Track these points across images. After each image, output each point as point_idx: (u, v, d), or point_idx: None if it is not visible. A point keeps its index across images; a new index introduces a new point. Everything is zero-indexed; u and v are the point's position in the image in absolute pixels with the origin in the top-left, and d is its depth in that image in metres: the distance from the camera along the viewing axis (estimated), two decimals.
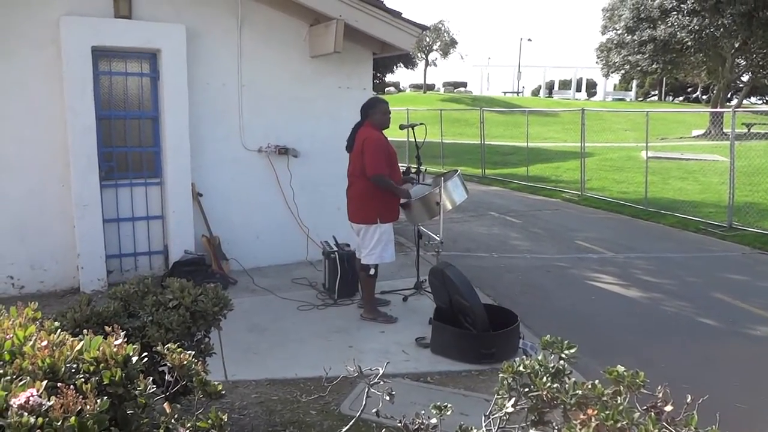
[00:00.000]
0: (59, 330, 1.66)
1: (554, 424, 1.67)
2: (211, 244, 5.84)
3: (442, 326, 4.21)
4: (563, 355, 1.80)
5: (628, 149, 18.36)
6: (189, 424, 1.52)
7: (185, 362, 1.71)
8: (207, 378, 1.74)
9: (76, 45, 4.90)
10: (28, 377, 1.41)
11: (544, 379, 1.68)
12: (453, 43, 47.12)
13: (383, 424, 2.18)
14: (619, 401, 1.59)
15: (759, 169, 12.14)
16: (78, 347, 1.53)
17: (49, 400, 1.32)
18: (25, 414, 1.25)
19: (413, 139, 5.25)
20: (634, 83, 51.56)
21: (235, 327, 4.38)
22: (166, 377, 1.77)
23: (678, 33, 21.13)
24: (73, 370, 1.47)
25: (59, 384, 1.38)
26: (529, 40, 78.74)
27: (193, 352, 1.80)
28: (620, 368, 1.70)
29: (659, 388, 1.64)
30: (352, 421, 2.24)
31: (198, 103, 5.84)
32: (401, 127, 8.27)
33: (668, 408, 1.54)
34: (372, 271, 4.70)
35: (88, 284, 5.23)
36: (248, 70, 5.90)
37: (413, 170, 5.25)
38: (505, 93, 54.97)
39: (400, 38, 5.89)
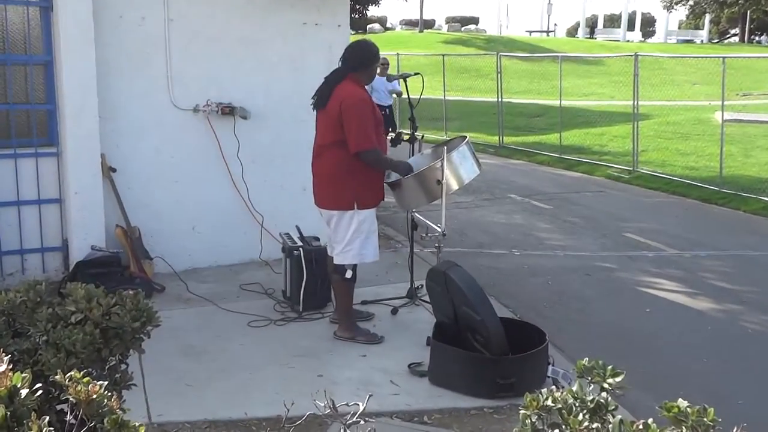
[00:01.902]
0: None
1: None
2: (128, 238, 5.84)
3: (445, 348, 4.24)
4: (606, 385, 1.79)
5: (698, 109, 18.50)
6: None
7: (94, 397, 1.70)
8: (124, 418, 1.74)
9: None
10: None
11: (581, 416, 1.68)
12: None
13: None
14: None
15: None
16: None
17: None
18: None
19: (406, 96, 5.24)
20: (707, 19, 51.64)
21: (162, 349, 4.44)
22: (68, 417, 1.77)
23: None
24: None
25: None
26: None
27: (105, 383, 1.79)
28: (682, 403, 1.68)
29: (735, 430, 1.67)
30: None
31: (108, 44, 5.78)
32: (389, 79, 8.17)
33: None
34: (349, 274, 4.77)
35: None
36: None
37: (405, 137, 5.30)
38: (530, 33, 54.87)
39: None
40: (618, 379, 1.81)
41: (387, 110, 11.57)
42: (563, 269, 6.97)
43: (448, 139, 5.65)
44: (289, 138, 6.45)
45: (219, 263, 6.38)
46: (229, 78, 6.25)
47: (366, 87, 4.77)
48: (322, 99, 4.69)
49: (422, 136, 5.32)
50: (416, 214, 5.37)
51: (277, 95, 6.42)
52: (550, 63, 21.99)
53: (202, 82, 6.14)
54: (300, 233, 5.58)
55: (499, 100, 16.51)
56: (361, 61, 4.65)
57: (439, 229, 4.81)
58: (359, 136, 4.48)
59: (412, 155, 5.33)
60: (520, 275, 6.79)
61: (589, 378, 1.81)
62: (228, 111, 6.16)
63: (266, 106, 6.38)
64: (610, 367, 1.84)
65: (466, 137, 4.95)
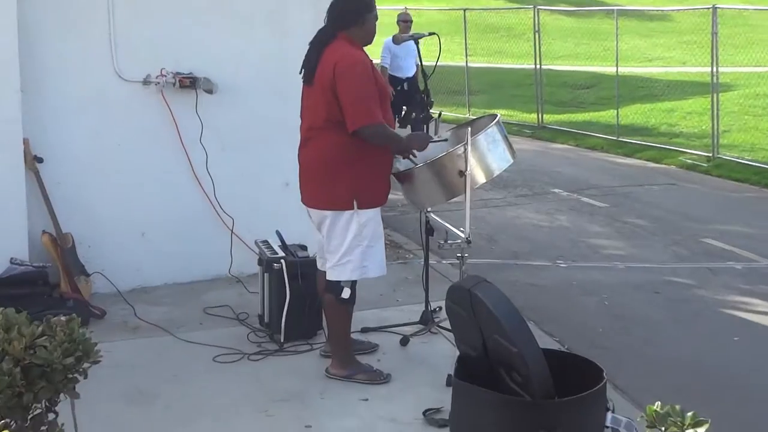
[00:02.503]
0: None
1: None
2: (58, 248, 5.83)
3: (471, 388, 4.22)
4: None
5: None
6: None
7: None
8: None
9: None
10: None
11: None
12: None
13: None
14: None
15: None
16: None
17: None
18: None
19: (417, 62, 5.23)
20: None
21: (102, 393, 4.38)
22: None
23: None
24: None
25: None
26: None
27: None
28: None
29: None
30: None
31: (33, 1, 5.80)
32: (397, 41, 8.18)
33: None
34: (346, 293, 4.78)
35: None
36: None
37: (414, 116, 5.27)
38: None
39: None
40: (701, 430, 1.78)
41: (405, 84, 11.54)
42: (624, 286, 6.95)
43: (472, 118, 5.66)
44: (268, 118, 6.46)
45: (176, 280, 6.40)
46: (190, 40, 6.26)
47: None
48: (308, 68, 4.72)
49: (439, 115, 5.36)
50: (432, 215, 5.38)
51: (252, 63, 6.44)
52: (602, 19, 21.89)
53: (155, 47, 6.14)
54: (282, 241, 5.59)
55: (538, 67, 16.50)
56: (349, 13, 4.68)
57: (462, 235, 4.82)
58: (358, 109, 4.51)
59: (421, 128, 5.34)
60: (567, 294, 6.78)
61: (663, 429, 1.78)
62: (188, 83, 6.17)
63: (238, 76, 6.39)
64: (689, 414, 1.81)
65: (496, 116, 4.98)
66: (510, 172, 7.94)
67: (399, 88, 11.39)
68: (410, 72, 11.56)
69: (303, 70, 4.77)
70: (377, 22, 4.80)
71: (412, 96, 11.42)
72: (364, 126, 4.51)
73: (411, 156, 4.96)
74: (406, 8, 13.65)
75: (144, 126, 6.20)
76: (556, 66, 19.63)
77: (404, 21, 11.48)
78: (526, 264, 7.59)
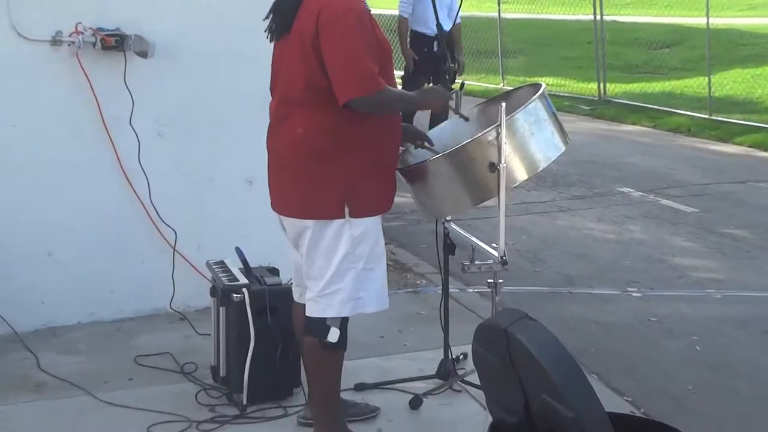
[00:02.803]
0: None
1: None
2: None
3: None
4: None
5: None
6: None
7: None
8: None
9: None
10: None
11: None
12: None
13: None
14: None
15: None
16: None
17: None
18: None
19: (434, 16, 5.31)
20: None
21: None
22: None
23: None
24: None
25: None
26: None
27: None
28: None
29: None
30: None
31: None
32: None
33: None
34: (334, 335, 4.75)
35: None
36: None
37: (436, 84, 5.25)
38: None
39: None
40: None
41: (435, 44, 11.25)
42: (721, 323, 6.94)
43: (508, 89, 5.66)
44: (224, 90, 6.55)
45: (97, 317, 6.45)
46: None
47: None
48: (282, 18, 4.70)
49: (462, 86, 5.33)
50: (453, 226, 5.40)
51: (201, 13, 6.50)
52: None
53: None
54: (244, 262, 5.62)
55: (598, 18, 16.62)
56: None
57: (495, 253, 4.81)
58: (352, 72, 4.49)
59: (445, 119, 5.36)
60: (643, 335, 6.78)
61: None
62: (114, 43, 6.20)
63: (181, 32, 6.45)
64: None
65: (540, 86, 4.96)
66: (561, 165, 7.91)
67: (426, 50, 11.32)
68: (444, 25, 11.16)
69: (272, 18, 4.77)
70: None
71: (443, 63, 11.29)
72: (361, 95, 4.48)
73: (426, 144, 4.99)
74: None
75: (51, 102, 6.23)
76: (624, 17, 19.70)
77: None
78: (584, 293, 7.60)
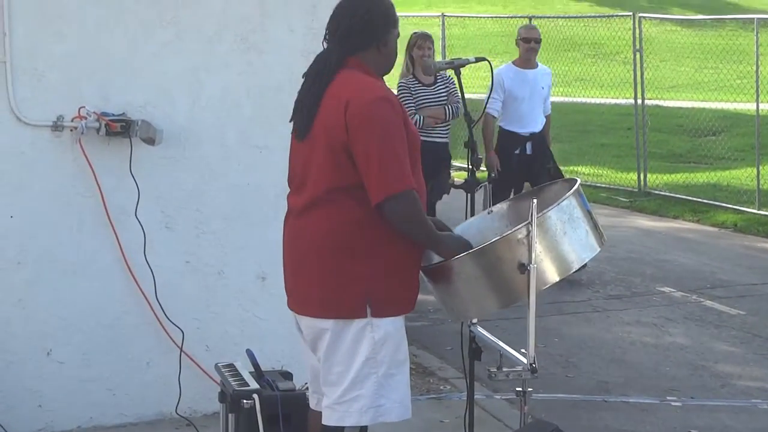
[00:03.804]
0: None
1: None
2: None
3: None
4: None
5: None
6: None
7: None
8: None
9: None
10: None
11: None
12: None
13: None
14: None
15: None
16: None
17: None
18: None
19: (457, 95, 5.37)
20: None
21: None
22: None
23: None
24: None
25: None
26: None
27: None
28: None
29: None
30: None
31: None
32: (430, 70, 8.64)
33: None
34: None
35: None
36: None
37: (454, 178, 5.35)
38: None
39: None
40: None
41: (528, 146, 11.16)
42: None
43: (543, 183, 5.89)
44: (234, 180, 6.75)
45: (98, 422, 6.52)
46: (123, 64, 6.51)
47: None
48: (304, 114, 4.83)
49: (494, 177, 5.50)
50: (480, 329, 5.46)
51: (214, 98, 6.72)
52: (736, 30, 21.70)
53: (72, 74, 6.37)
54: (255, 365, 5.71)
55: (639, 102, 16.70)
56: (365, 30, 4.80)
57: (524, 359, 4.90)
58: (387, 171, 4.57)
59: (471, 215, 5.49)
60: None
61: None
62: (119, 129, 6.36)
63: (193, 119, 6.68)
64: None
65: (574, 182, 5.12)
66: (597, 262, 7.97)
67: (518, 152, 11.15)
68: (536, 123, 11.29)
69: (295, 116, 4.90)
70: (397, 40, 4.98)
71: (539, 167, 11.02)
72: (393, 194, 4.55)
73: None
74: (531, 18, 13.79)
75: (51, 191, 6.39)
76: (667, 102, 19.70)
77: (529, 40, 11.19)
78: (620, 401, 7.70)
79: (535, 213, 4.66)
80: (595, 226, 5.01)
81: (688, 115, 20.05)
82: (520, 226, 4.75)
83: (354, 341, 4.74)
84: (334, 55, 4.82)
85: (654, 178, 16.40)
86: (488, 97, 10.40)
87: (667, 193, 15.99)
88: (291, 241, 4.94)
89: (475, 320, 5.43)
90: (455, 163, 11.89)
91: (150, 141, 6.48)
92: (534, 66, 11.36)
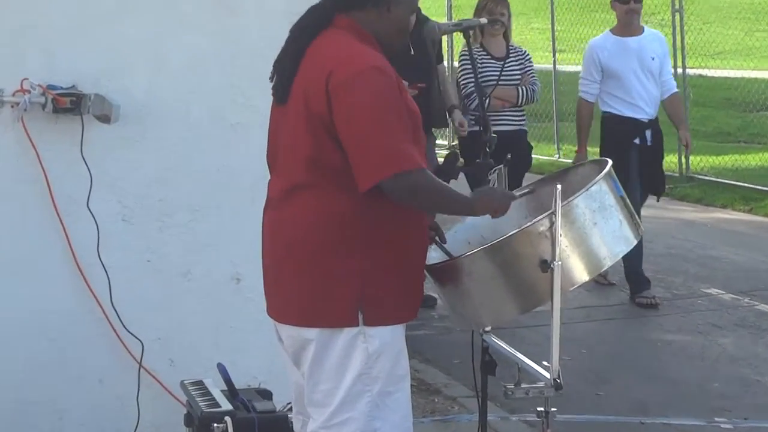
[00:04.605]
0: None
1: None
2: None
3: None
4: None
5: None
6: None
7: None
8: None
9: None
10: None
11: None
12: None
13: None
14: None
15: None
16: None
17: None
18: None
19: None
20: None
21: None
22: None
23: None
24: None
25: None
26: None
27: None
28: None
29: None
30: None
31: None
32: (433, 32, 8.39)
33: None
34: None
35: None
36: None
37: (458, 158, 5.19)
38: None
39: None
40: None
41: (649, 133, 10.37)
42: None
43: (565, 163, 5.70)
44: (204, 164, 6.63)
45: None
46: (73, 28, 6.39)
47: None
48: (283, 76, 4.73)
49: (508, 159, 5.43)
50: (494, 338, 5.36)
51: (179, 69, 6.59)
52: None
53: (11, 40, 6.27)
54: (228, 382, 5.64)
55: (679, 71, 16.59)
56: None
57: (547, 374, 4.81)
58: (380, 149, 4.46)
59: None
60: None
61: None
62: (69, 105, 6.24)
63: (155, 92, 6.54)
64: None
65: (606, 163, 5.01)
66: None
67: (638, 141, 10.30)
68: (652, 104, 10.41)
69: (275, 77, 4.81)
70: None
71: (658, 165, 10.58)
72: (391, 175, 4.41)
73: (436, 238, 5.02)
74: None
75: None
76: (712, 70, 19.73)
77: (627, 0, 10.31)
78: (660, 423, 7.55)
79: (559, 200, 4.55)
80: (630, 215, 4.94)
81: (737, 87, 20.12)
82: (541, 216, 4.66)
83: (344, 354, 4.62)
84: (320, 11, 4.74)
85: (698, 161, 16.30)
86: (581, 77, 10.45)
87: (713, 178, 15.99)
88: (271, 236, 4.83)
89: (488, 328, 5.32)
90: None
91: (105, 119, 6.34)
92: (638, 31, 10.52)
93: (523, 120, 10.59)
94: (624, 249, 4.87)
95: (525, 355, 5.15)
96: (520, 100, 10.21)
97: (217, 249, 6.61)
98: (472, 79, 9.71)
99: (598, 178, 4.78)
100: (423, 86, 9.38)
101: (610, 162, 5.00)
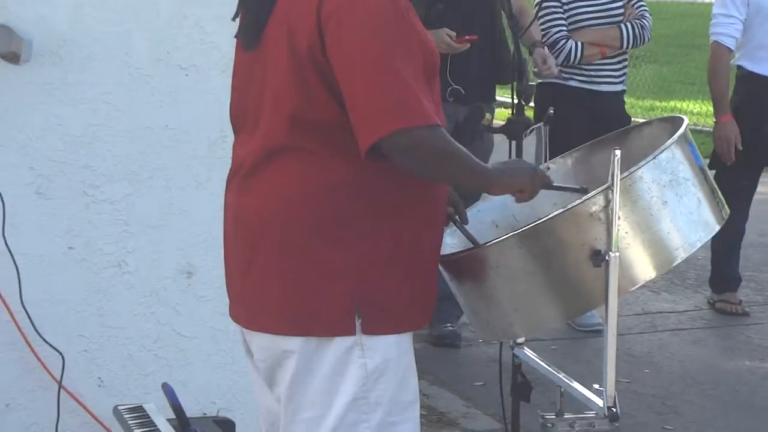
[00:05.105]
0: None
1: None
2: None
3: None
4: None
5: None
6: None
7: None
8: None
9: None
10: None
11: None
12: None
13: None
14: None
15: None
16: None
17: None
18: None
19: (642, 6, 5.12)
20: None
21: None
22: None
23: None
24: None
25: None
26: None
27: None
28: None
29: None
30: None
31: None
32: None
33: None
34: None
35: None
36: None
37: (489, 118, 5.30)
38: None
39: None
40: None
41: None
42: None
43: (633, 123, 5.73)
44: (147, 121, 6.59)
45: None
46: None
47: None
48: (254, 11, 4.68)
49: (549, 115, 5.49)
50: (527, 352, 5.45)
51: None
52: None
53: None
54: (177, 408, 5.56)
55: None
56: None
57: (599, 401, 4.78)
58: (387, 95, 4.36)
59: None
60: None
61: None
62: None
63: (80, 23, 6.47)
64: None
65: (682, 121, 4.97)
66: (709, 251, 7.93)
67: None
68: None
69: (240, 13, 4.77)
70: None
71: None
72: (401, 129, 4.34)
73: (456, 217, 4.98)
74: None
75: None
76: None
77: None
78: None
79: (617, 171, 4.53)
80: (712, 192, 4.92)
81: None
82: (593, 192, 4.64)
83: (334, 371, 4.59)
84: None
85: None
86: (713, 15, 10.07)
87: None
88: (237, 216, 4.75)
89: (521, 339, 5.40)
90: (499, 98, 10.93)
91: (13, 58, 6.30)
92: None
93: (625, 75, 10.22)
94: (703, 237, 4.76)
95: (570, 376, 5.16)
96: (625, 43, 9.84)
97: (162, 232, 6.53)
98: (557, 19, 9.69)
99: (669, 142, 4.70)
100: (474, 38, 9.16)
101: (686, 120, 4.94)
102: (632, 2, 9.55)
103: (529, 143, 5.41)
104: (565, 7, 9.57)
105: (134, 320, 6.60)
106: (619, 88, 9.90)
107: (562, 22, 9.44)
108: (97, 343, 6.56)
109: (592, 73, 9.48)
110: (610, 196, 4.50)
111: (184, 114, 6.51)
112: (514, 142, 5.32)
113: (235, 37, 4.78)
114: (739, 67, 9.85)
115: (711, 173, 4.86)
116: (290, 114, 4.51)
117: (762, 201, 13.50)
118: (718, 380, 8.99)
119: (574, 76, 9.16)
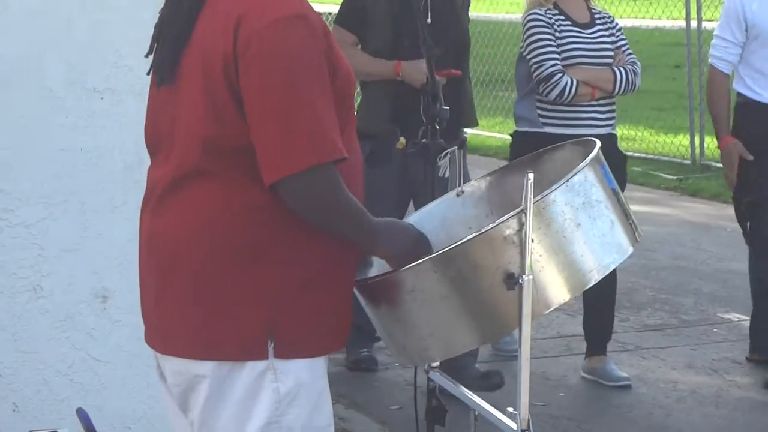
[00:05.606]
0: None
1: None
2: None
3: None
4: None
5: None
6: None
7: None
8: None
9: None
10: None
11: None
12: None
13: None
14: None
15: None
16: None
17: None
18: None
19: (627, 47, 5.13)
20: None
21: None
22: None
23: None
24: None
25: None
26: None
27: None
28: None
29: None
30: None
31: None
32: None
33: None
34: None
35: None
36: None
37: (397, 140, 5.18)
38: None
39: None
40: None
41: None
42: None
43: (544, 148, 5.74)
44: (62, 144, 6.60)
45: None
46: None
47: None
48: (169, 43, 4.65)
49: (463, 139, 5.40)
50: (443, 377, 5.50)
51: (27, 9, 6.59)
52: None
53: None
54: (90, 431, 5.48)
55: (692, 25, 17.20)
56: None
57: (513, 425, 4.85)
58: (295, 134, 4.39)
59: (432, 198, 5.59)
60: None
61: None
62: None
63: None
64: None
65: (593, 144, 5.01)
66: (626, 273, 7.95)
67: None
68: None
69: (155, 47, 4.74)
70: None
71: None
72: (302, 169, 4.37)
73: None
74: None
75: None
76: None
77: None
78: None
79: (530, 194, 4.57)
80: (625, 215, 4.97)
81: None
82: (508, 216, 4.64)
83: (246, 396, 4.60)
84: None
85: (715, 145, 16.29)
86: (715, 38, 9.78)
87: None
88: (150, 240, 4.73)
89: (436, 363, 5.43)
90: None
91: None
92: None
93: (614, 118, 9.93)
94: (617, 259, 4.83)
95: (484, 399, 5.24)
96: (618, 87, 9.60)
97: (76, 256, 6.51)
98: (551, 53, 9.32)
99: (582, 164, 4.73)
100: (458, 73, 8.96)
101: (598, 143, 4.95)
102: (622, 48, 9.48)
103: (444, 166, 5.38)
104: (559, 41, 9.27)
105: (49, 345, 6.59)
106: (604, 131, 9.34)
107: (557, 55, 9.11)
108: (11, 368, 6.54)
109: (571, 116, 9.20)
110: (524, 219, 4.52)
111: (100, 137, 6.49)
112: (428, 165, 5.29)
113: (147, 73, 4.76)
114: (740, 95, 9.69)
115: (625, 197, 4.82)
116: (203, 138, 4.50)
117: (673, 224, 13.61)
118: (633, 403, 9.16)
119: (549, 121, 8.90)
